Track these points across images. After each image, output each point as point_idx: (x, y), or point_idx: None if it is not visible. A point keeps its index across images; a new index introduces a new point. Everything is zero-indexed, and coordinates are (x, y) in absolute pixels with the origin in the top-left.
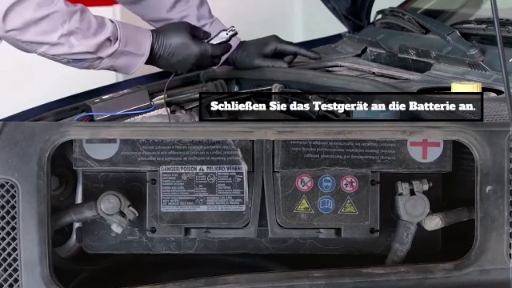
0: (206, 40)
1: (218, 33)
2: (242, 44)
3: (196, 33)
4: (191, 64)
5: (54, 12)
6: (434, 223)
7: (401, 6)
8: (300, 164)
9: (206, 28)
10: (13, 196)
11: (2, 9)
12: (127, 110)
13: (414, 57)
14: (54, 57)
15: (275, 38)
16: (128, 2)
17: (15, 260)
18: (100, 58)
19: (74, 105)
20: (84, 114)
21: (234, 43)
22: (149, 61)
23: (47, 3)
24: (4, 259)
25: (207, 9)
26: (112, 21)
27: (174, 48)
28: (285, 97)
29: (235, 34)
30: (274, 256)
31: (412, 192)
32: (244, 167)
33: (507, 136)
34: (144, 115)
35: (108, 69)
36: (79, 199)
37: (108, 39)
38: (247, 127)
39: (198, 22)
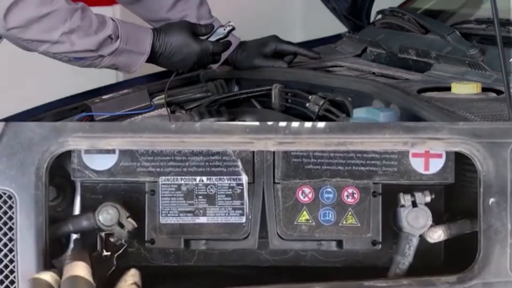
0: (205, 37)
1: (216, 30)
2: (242, 44)
3: (197, 31)
4: (192, 63)
5: (56, 10)
6: (436, 235)
7: (401, 6)
8: (301, 175)
9: None
10: (10, 207)
11: (3, 7)
12: (127, 110)
13: (414, 57)
14: (56, 56)
15: (275, 38)
16: (128, 2)
17: (12, 272)
18: (101, 56)
19: (74, 105)
20: (84, 114)
21: (234, 43)
22: (150, 60)
23: (49, 1)
24: (1, 271)
25: (207, 9)
26: (113, 20)
27: (175, 47)
28: (285, 97)
29: (233, 29)
30: (274, 268)
31: (414, 204)
32: (244, 178)
33: (509, 148)
34: (144, 115)
35: (110, 67)
36: (77, 210)
37: (109, 37)
38: (248, 138)
39: (198, 21)
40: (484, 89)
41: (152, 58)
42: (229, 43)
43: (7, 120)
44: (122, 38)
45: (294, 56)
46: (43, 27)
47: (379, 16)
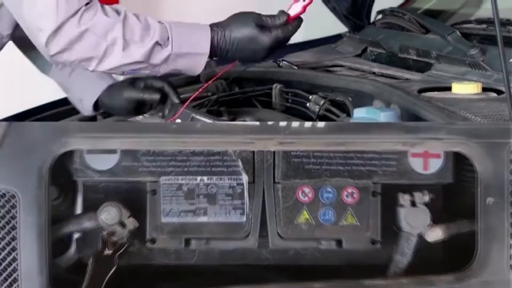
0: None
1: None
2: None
3: (264, 23)
4: (264, 55)
5: (95, 24)
6: (435, 234)
7: (401, 6)
8: (301, 175)
9: None
10: (13, 206)
11: (45, 35)
12: None
13: (415, 57)
14: (110, 72)
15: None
16: None
17: (14, 270)
18: (155, 64)
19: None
20: None
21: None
22: (214, 57)
23: (87, 18)
24: (4, 269)
25: None
26: (160, 22)
27: (241, 43)
28: (285, 97)
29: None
30: (275, 267)
31: (413, 204)
32: (244, 178)
33: (507, 148)
34: (144, 115)
35: (173, 73)
36: (79, 209)
37: (157, 43)
38: (248, 138)
39: None
40: (484, 89)
41: (217, 56)
42: (300, 21)
43: (8, 119)
44: (174, 42)
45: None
46: (85, 45)
47: (380, 16)
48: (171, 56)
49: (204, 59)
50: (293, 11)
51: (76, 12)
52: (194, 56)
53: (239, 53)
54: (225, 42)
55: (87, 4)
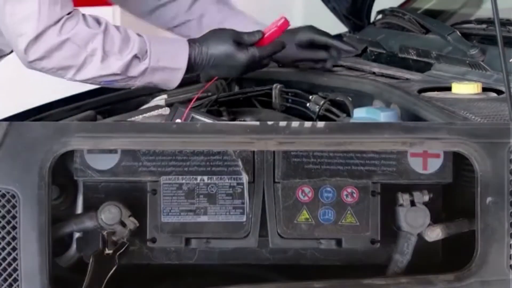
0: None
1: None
2: None
3: (241, 40)
4: (240, 72)
5: (76, 34)
6: (434, 234)
7: (401, 6)
8: (301, 175)
9: (229, 20)
10: (14, 206)
11: (24, 43)
12: None
13: (415, 57)
14: (85, 82)
15: (310, 28)
16: (145, 14)
17: (15, 270)
18: (132, 77)
19: (75, 105)
20: None
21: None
22: (191, 72)
23: (69, 28)
24: (4, 269)
25: (226, 1)
26: (139, 35)
27: (217, 59)
28: (285, 97)
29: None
30: (274, 267)
31: (412, 203)
32: (244, 178)
33: (507, 148)
34: (144, 115)
35: (147, 86)
36: (79, 209)
37: (135, 56)
38: (248, 138)
39: (219, 13)
40: (484, 89)
41: (194, 71)
42: (280, 44)
43: (9, 119)
44: (152, 55)
45: (338, 52)
46: (65, 54)
47: (380, 16)
48: (148, 69)
49: (181, 74)
50: (269, 29)
51: (58, 21)
52: (171, 71)
53: (215, 69)
54: (201, 58)
55: (69, 13)
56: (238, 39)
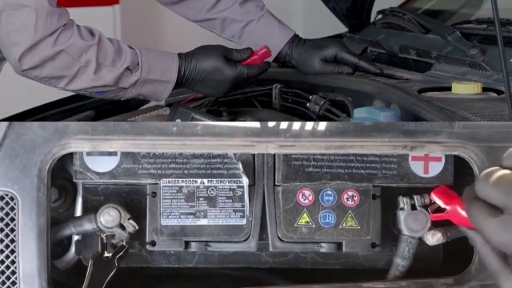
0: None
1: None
2: (298, 41)
3: (230, 56)
4: (226, 89)
5: (70, 45)
6: (435, 238)
7: (401, 6)
8: (301, 178)
9: (252, 25)
10: (12, 209)
11: (18, 52)
12: None
13: (415, 57)
14: (77, 92)
15: (338, 43)
16: (170, 3)
17: (13, 273)
18: (123, 88)
19: (75, 105)
20: None
21: (286, 35)
22: (180, 86)
23: (64, 39)
24: (3, 272)
25: (254, 4)
26: (131, 48)
27: (206, 73)
28: (285, 97)
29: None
30: (274, 270)
31: (413, 207)
32: (245, 181)
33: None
34: (144, 115)
35: (136, 97)
36: (78, 211)
37: (127, 68)
38: (248, 141)
39: (243, 17)
40: (484, 89)
41: (183, 85)
42: (265, 66)
43: (7, 120)
44: (144, 68)
45: (355, 69)
46: (58, 65)
47: (380, 16)
48: (139, 81)
49: (170, 86)
50: (259, 49)
51: (54, 32)
52: (160, 83)
53: (204, 83)
54: (190, 71)
55: (65, 24)
56: (227, 55)
